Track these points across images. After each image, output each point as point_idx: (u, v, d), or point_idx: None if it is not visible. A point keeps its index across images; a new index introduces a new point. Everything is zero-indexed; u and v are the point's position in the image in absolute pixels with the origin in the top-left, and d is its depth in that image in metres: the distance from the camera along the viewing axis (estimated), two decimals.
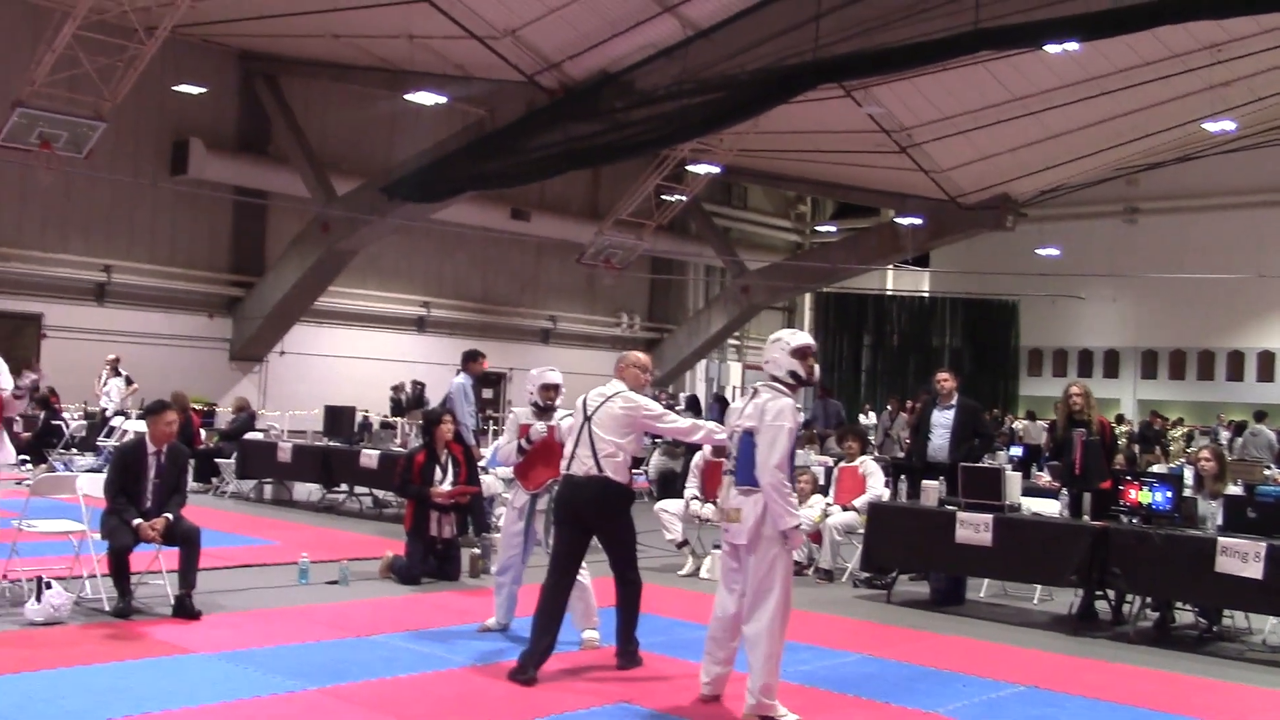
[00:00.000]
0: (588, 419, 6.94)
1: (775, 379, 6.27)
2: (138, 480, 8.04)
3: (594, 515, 6.96)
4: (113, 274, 24.02)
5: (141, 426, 8.81)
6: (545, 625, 6.79)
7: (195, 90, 22.87)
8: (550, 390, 8.00)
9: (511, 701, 6.31)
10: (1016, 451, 16.11)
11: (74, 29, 17.34)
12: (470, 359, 12.89)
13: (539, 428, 7.79)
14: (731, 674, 6.44)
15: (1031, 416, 28.39)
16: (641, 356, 7.38)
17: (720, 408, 24.91)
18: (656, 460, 18.46)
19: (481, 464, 12.22)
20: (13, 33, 21.74)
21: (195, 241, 25.40)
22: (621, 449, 6.88)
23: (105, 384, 19.83)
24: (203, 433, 17.44)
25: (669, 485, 16.18)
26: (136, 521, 7.85)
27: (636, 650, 7.14)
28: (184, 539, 7.97)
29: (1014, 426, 25.69)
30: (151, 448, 8.14)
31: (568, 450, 7.04)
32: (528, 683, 6.61)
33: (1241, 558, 8.03)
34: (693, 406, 26.16)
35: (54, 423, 18.47)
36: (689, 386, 35.49)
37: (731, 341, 36.62)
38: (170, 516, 7.98)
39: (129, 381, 19.91)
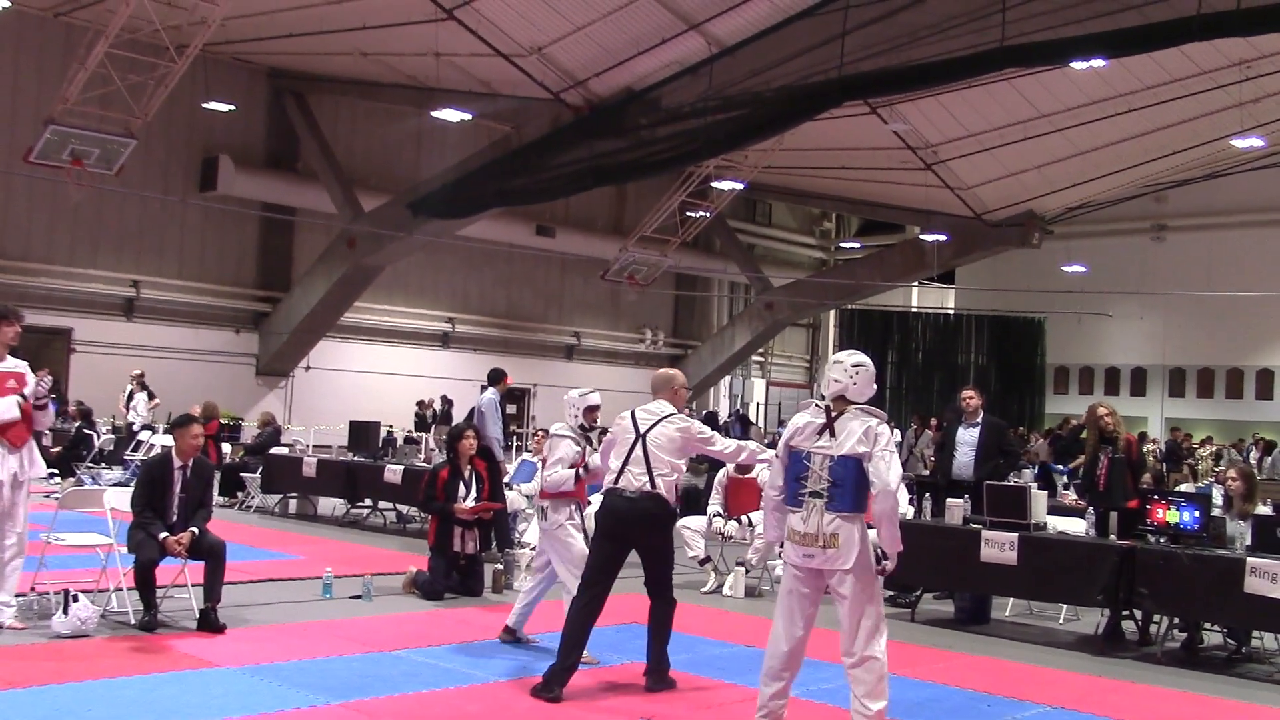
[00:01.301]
0: (641, 436, 7.07)
1: (864, 405, 6.14)
2: (164, 494, 8.08)
3: (643, 531, 7.05)
4: (141, 289, 24.23)
5: (169, 441, 8.86)
6: (575, 641, 6.82)
7: (225, 108, 23.11)
8: (594, 412, 8.10)
9: (536, 718, 6.30)
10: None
11: (106, 47, 17.55)
12: (499, 377, 13.04)
13: (595, 460, 7.86)
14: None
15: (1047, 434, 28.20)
16: (681, 376, 7.57)
17: (742, 427, 24.86)
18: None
19: (506, 479, 12.24)
20: (45, 51, 22.02)
21: (223, 257, 25.61)
22: (677, 469, 7.10)
23: (132, 399, 19.98)
24: (226, 448, 17.47)
25: (692, 502, 16.16)
26: (163, 535, 7.89)
27: (668, 670, 7.13)
28: (209, 553, 8.01)
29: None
30: (178, 462, 8.18)
31: (615, 465, 7.11)
32: (553, 700, 6.60)
33: (1271, 578, 7.95)
34: (710, 423, 26.10)
35: (86, 432, 18.61)
36: (712, 403, 35.48)
37: (755, 358, 36.60)
38: (196, 531, 8.02)
39: (151, 395, 20.05)
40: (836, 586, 6.03)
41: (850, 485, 5.97)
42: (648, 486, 6.96)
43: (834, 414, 6.09)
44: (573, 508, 7.82)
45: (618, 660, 7.65)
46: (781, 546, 6.32)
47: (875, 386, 6.21)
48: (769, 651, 6.21)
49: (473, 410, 13.08)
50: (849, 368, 6.14)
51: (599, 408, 8.14)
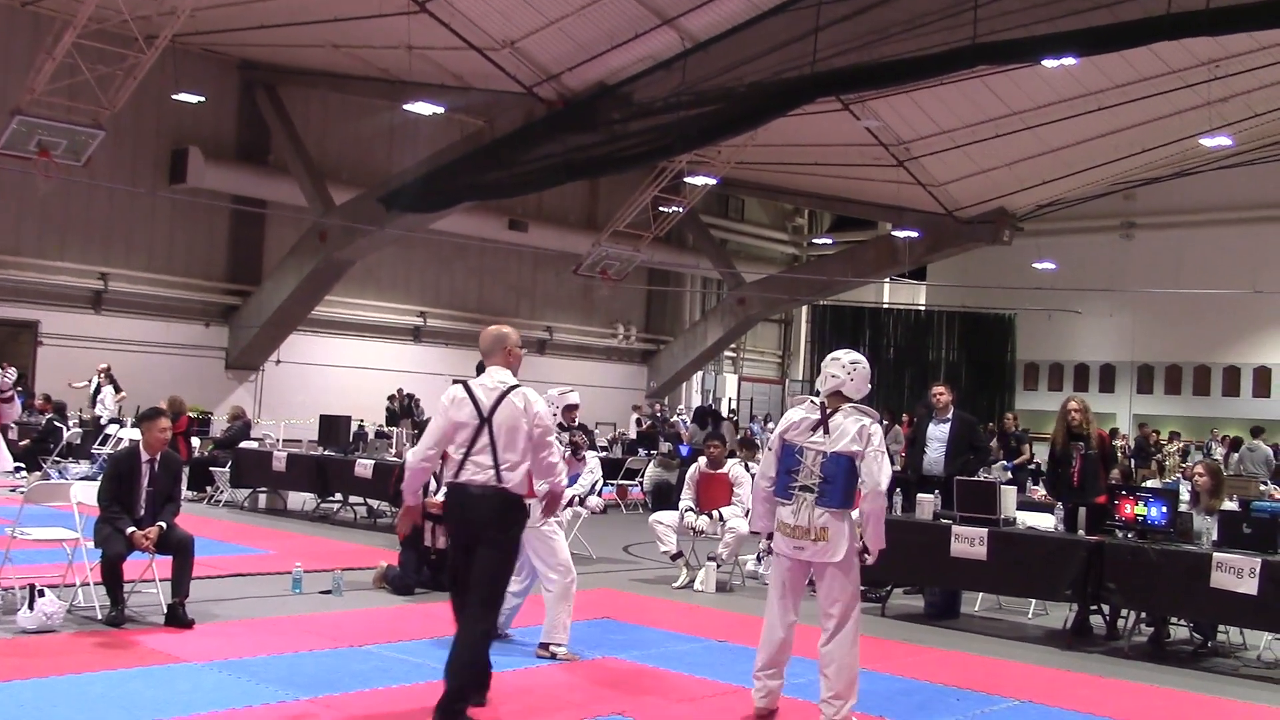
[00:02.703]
0: (486, 419, 6.11)
1: (859, 404, 6.31)
2: (131, 488, 8.02)
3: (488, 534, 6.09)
4: (109, 282, 24.02)
5: (137, 435, 8.79)
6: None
7: (194, 99, 22.91)
8: (573, 411, 8.09)
9: (507, 714, 6.29)
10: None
11: (74, 37, 17.39)
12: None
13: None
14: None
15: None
16: (515, 334, 6.47)
17: (714, 422, 24.84)
18: (652, 472, 18.49)
19: None
20: (12, 41, 21.78)
21: (193, 250, 25.42)
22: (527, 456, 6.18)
23: (100, 393, 19.82)
24: (194, 442, 17.35)
25: (663, 497, 16.19)
26: (130, 530, 7.83)
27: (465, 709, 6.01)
28: (178, 547, 7.95)
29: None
30: (145, 455, 8.12)
31: (455, 453, 6.14)
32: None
33: (1236, 573, 8.03)
34: (701, 418, 26.14)
35: (56, 425, 18.45)
36: (685, 398, 35.51)
37: (728, 353, 36.66)
38: (164, 525, 7.96)
39: (118, 389, 19.89)
40: (820, 578, 6.23)
41: (841, 482, 6.14)
42: (494, 480, 6.04)
43: (829, 411, 6.26)
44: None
45: (589, 655, 7.65)
46: (769, 538, 6.43)
47: (870, 385, 6.38)
48: (764, 638, 6.43)
49: None
50: (846, 364, 6.33)
51: (578, 406, 8.17)
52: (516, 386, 6.18)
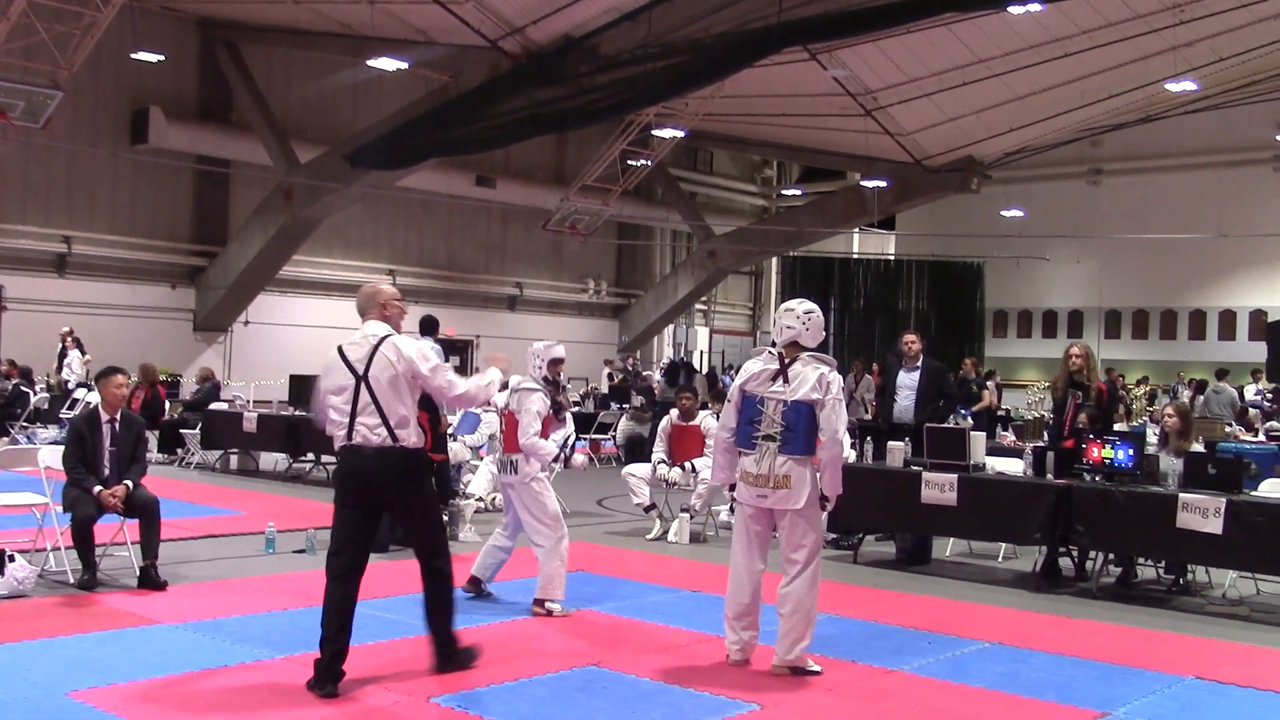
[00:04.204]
0: (362, 377, 5.94)
1: (815, 352, 6.40)
2: (94, 449, 7.98)
3: (394, 490, 6.00)
4: (73, 245, 23.73)
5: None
6: (343, 624, 5.90)
7: (154, 58, 22.51)
8: (558, 365, 8.08)
9: (482, 666, 6.31)
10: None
11: None
12: (434, 325, 13.03)
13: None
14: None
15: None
16: (389, 288, 6.28)
17: (686, 374, 24.86)
18: (624, 425, 18.52)
19: (450, 431, 12.19)
20: None
21: (157, 211, 25.13)
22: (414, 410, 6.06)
23: (65, 357, 19.64)
24: (167, 405, 17.30)
25: (636, 450, 16.23)
26: (97, 489, 7.80)
27: (457, 646, 6.19)
28: (143, 509, 7.93)
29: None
30: (105, 415, 8.07)
31: (338, 417, 5.98)
32: (329, 696, 5.69)
33: (1201, 513, 8.14)
34: (674, 371, 26.10)
35: (24, 390, 18.28)
36: (656, 352, 35.53)
37: (699, 306, 36.65)
38: (130, 484, 7.92)
39: (83, 351, 19.73)
40: (783, 524, 6.33)
41: (802, 429, 6.25)
42: (388, 440, 5.85)
43: (787, 361, 6.35)
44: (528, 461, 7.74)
45: (574, 608, 7.68)
46: (732, 489, 6.47)
47: (824, 333, 6.49)
48: (731, 590, 6.53)
49: None
50: (800, 315, 6.43)
51: (563, 360, 8.15)
52: (387, 337, 5.97)
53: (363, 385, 5.88)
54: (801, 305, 6.50)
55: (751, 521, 6.46)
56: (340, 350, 6.02)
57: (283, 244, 24.42)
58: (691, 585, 8.76)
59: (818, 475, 6.31)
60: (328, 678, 5.72)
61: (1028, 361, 32.84)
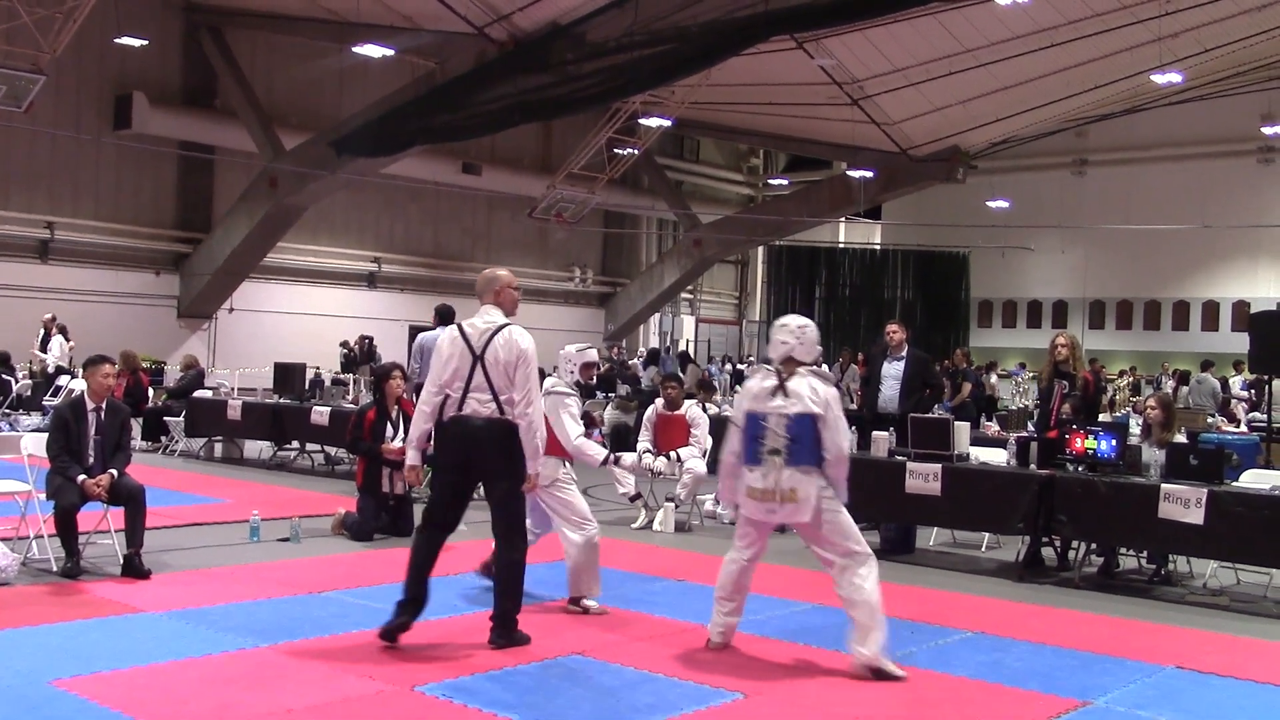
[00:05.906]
0: (479, 357, 6.46)
1: (812, 367, 6.48)
2: (79, 437, 7.95)
3: (494, 460, 6.46)
4: (56, 231, 23.63)
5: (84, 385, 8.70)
6: (419, 578, 6.48)
7: (138, 43, 22.37)
8: (591, 368, 8.18)
9: (467, 655, 6.32)
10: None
11: None
12: (451, 314, 12.36)
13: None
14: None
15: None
16: (506, 274, 6.80)
17: (682, 363, 24.95)
18: (610, 414, 18.52)
19: None
20: None
21: (140, 197, 25.02)
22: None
23: (49, 343, 19.55)
24: (150, 392, 17.26)
25: (621, 439, 16.22)
26: (81, 478, 7.77)
27: (515, 627, 6.55)
28: (128, 497, 7.90)
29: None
30: (90, 404, 8.05)
31: (454, 393, 6.45)
32: (391, 640, 6.38)
33: (1183, 504, 8.18)
34: (654, 360, 26.13)
35: (4, 378, 18.20)
36: (642, 340, 35.54)
37: (685, 295, 36.66)
38: (115, 473, 7.90)
39: (67, 337, 19.64)
40: (807, 536, 6.46)
41: (807, 441, 6.32)
42: (497, 414, 6.39)
43: (785, 375, 6.44)
44: (563, 461, 7.67)
45: (550, 597, 7.68)
46: (736, 509, 6.64)
47: (820, 348, 6.60)
48: (723, 572, 6.62)
49: (422, 347, 12.09)
50: (795, 330, 6.53)
51: (597, 364, 8.16)
52: (505, 325, 6.51)
53: (478, 365, 6.41)
54: (795, 320, 6.59)
55: (746, 526, 6.56)
56: (460, 328, 6.59)
57: (267, 231, 24.34)
58: (676, 574, 8.77)
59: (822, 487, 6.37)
60: (397, 627, 6.34)
61: (1012, 351, 32.97)
